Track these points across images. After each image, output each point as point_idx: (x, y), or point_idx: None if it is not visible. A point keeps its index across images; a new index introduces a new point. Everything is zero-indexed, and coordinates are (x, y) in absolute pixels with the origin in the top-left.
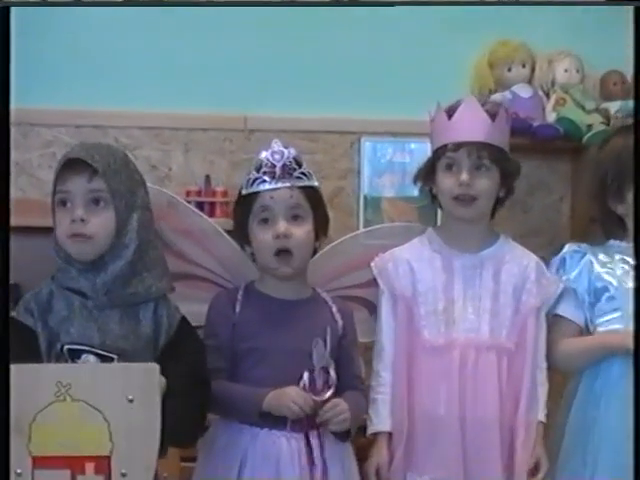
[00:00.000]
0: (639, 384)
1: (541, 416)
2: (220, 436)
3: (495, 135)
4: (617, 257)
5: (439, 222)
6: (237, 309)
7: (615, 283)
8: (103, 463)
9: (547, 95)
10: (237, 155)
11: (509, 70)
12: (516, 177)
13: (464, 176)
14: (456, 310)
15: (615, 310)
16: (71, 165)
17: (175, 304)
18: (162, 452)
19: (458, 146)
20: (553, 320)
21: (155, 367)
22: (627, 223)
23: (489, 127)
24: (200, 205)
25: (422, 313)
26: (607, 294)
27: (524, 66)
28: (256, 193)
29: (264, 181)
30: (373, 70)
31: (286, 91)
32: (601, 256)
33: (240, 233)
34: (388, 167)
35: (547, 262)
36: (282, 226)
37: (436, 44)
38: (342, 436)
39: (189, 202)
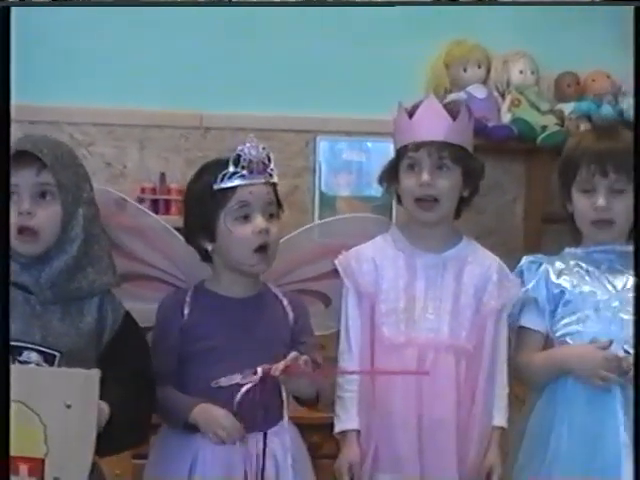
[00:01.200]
0: (639, 384)
1: (500, 421)
2: (172, 436)
3: (456, 134)
4: (572, 263)
5: (394, 221)
6: (186, 311)
7: (570, 287)
8: (37, 466)
9: (502, 96)
10: (193, 153)
11: (464, 70)
12: (480, 176)
13: (425, 176)
14: (417, 309)
15: (572, 314)
16: (18, 158)
17: (119, 299)
18: (109, 452)
19: (419, 146)
20: (518, 332)
21: (96, 374)
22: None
23: (450, 126)
24: (155, 203)
25: (383, 311)
26: (564, 299)
27: (479, 67)
28: (233, 188)
29: (243, 175)
30: (329, 69)
31: (242, 89)
32: (557, 264)
33: (203, 229)
34: (343, 166)
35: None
36: (262, 222)
37: (392, 44)
38: (306, 401)
39: (144, 200)
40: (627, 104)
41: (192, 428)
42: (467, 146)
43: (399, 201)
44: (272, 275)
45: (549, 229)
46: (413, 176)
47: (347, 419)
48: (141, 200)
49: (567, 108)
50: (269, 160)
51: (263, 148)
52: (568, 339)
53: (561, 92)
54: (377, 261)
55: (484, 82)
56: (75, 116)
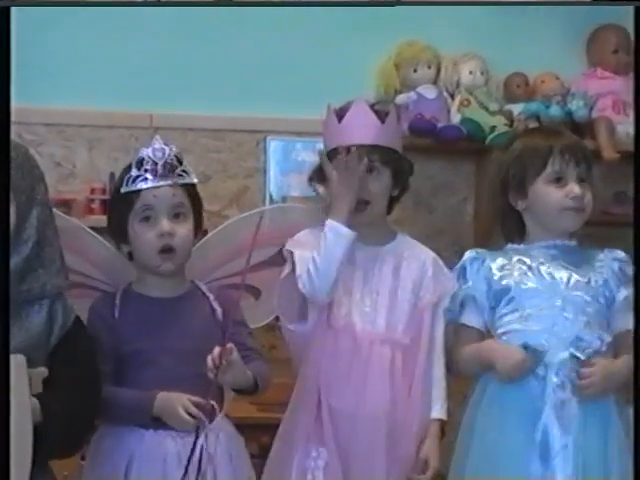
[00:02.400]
0: (638, 386)
1: (439, 413)
2: (106, 437)
3: (386, 136)
4: (515, 259)
5: None
6: (116, 314)
7: (513, 284)
8: None
9: (452, 96)
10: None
11: (415, 71)
12: (409, 175)
13: None
14: (354, 301)
15: (514, 311)
16: None
17: (71, 303)
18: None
19: (348, 149)
20: (456, 329)
21: (22, 359)
22: (526, 221)
23: (379, 129)
24: (105, 203)
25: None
26: (506, 296)
27: (430, 67)
28: (137, 191)
29: (146, 179)
30: (280, 70)
31: (192, 89)
32: (499, 260)
33: (118, 232)
34: (294, 166)
35: (451, 262)
36: (166, 225)
37: (343, 44)
38: (246, 391)
39: (93, 200)
40: (576, 105)
41: (157, 421)
42: (396, 147)
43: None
44: (201, 272)
45: (498, 229)
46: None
47: None
48: (91, 200)
49: (516, 109)
50: (179, 161)
51: (171, 149)
52: (508, 337)
53: (510, 93)
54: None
55: (434, 83)
56: (24, 116)
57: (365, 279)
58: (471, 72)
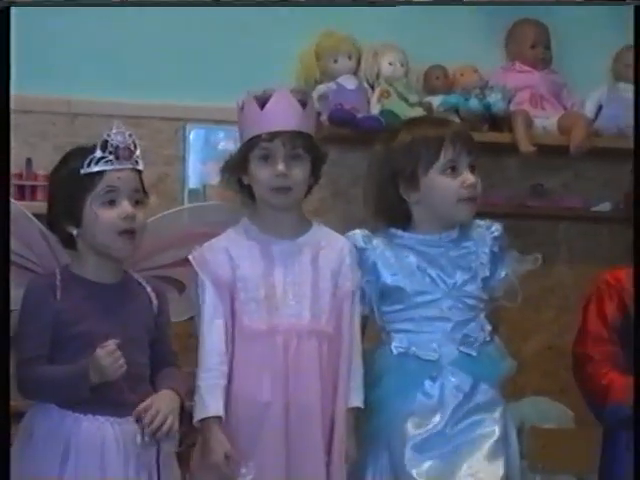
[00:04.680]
0: (638, 390)
1: (355, 401)
2: (40, 424)
3: (307, 123)
4: (403, 253)
5: None
6: (58, 295)
7: (403, 283)
8: None
9: (372, 87)
10: (61, 139)
11: (335, 61)
12: (324, 164)
13: (280, 167)
14: (277, 296)
15: (402, 310)
16: None
17: None
18: None
19: (273, 136)
20: None
21: None
22: (415, 213)
23: (301, 115)
24: (21, 188)
25: (242, 299)
26: (397, 295)
27: (350, 58)
28: (100, 173)
29: (110, 161)
30: (200, 57)
31: (112, 75)
32: (387, 252)
33: (68, 213)
34: (213, 154)
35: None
36: (129, 207)
37: (264, 33)
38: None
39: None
40: (494, 98)
41: (93, 400)
42: (314, 135)
43: (242, 191)
44: (131, 261)
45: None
46: (267, 167)
47: (208, 407)
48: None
49: (435, 101)
50: (135, 147)
51: (130, 135)
52: (400, 337)
53: (430, 85)
54: (231, 251)
55: (354, 73)
56: None
57: (285, 273)
58: (391, 63)
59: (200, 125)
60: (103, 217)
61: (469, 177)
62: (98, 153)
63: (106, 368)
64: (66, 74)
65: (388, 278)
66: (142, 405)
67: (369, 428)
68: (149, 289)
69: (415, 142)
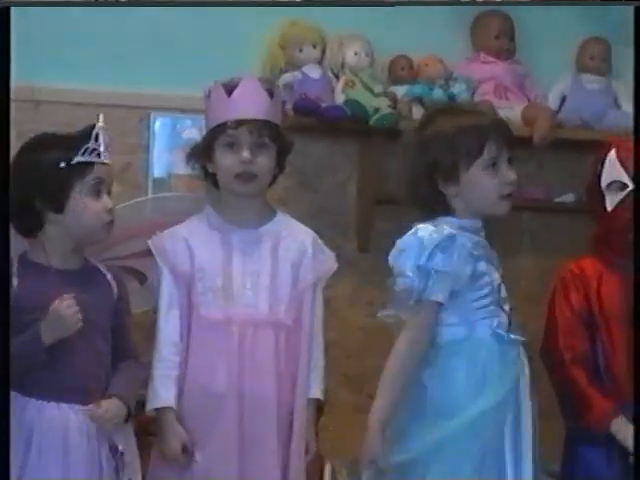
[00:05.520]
0: (638, 387)
1: (316, 393)
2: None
3: (273, 112)
4: (473, 241)
5: None
6: (15, 282)
7: (484, 268)
8: None
9: (337, 77)
10: (24, 125)
11: (300, 51)
12: (289, 154)
13: (245, 154)
14: (235, 286)
15: (486, 296)
16: None
17: None
18: None
19: (239, 124)
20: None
21: None
22: (455, 204)
23: (268, 104)
24: None
25: (199, 290)
26: (480, 280)
27: (315, 47)
28: (91, 163)
29: (100, 153)
30: (164, 46)
31: (75, 63)
32: (467, 242)
33: (52, 200)
34: (178, 143)
35: (334, 241)
36: (108, 200)
37: (228, 22)
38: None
39: None
40: (458, 89)
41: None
42: (280, 124)
43: (206, 178)
44: (93, 250)
45: (381, 209)
46: (232, 154)
47: (160, 398)
48: None
49: (400, 91)
50: (109, 140)
51: (107, 128)
52: (483, 322)
53: (395, 75)
54: (190, 241)
55: (319, 63)
56: None
57: (244, 262)
58: (356, 53)
59: (165, 114)
60: (91, 207)
61: (510, 174)
62: (92, 144)
63: (64, 319)
64: (30, 61)
65: (478, 264)
66: (90, 412)
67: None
68: (109, 276)
69: (458, 134)
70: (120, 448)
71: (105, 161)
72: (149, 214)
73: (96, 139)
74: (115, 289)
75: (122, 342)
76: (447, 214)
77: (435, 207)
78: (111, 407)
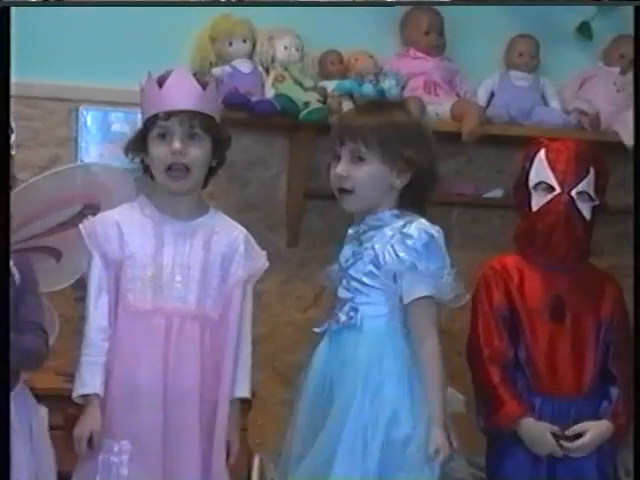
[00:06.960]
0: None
1: (242, 392)
2: None
3: (206, 104)
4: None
5: None
6: None
7: None
8: None
9: (267, 71)
10: None
11: (230, 44)
12: (227, 146)
13: (176, 145)
14: (164, 277)
15: None
16: None
17: None
18: None
19: (169, 115)
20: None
21: None
22: None
23: (200, 96)
24: None
25: (129, 277)
26: None
27: (245, 41)
28: None
29: None
30: (95, 38)
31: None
32: None
33: None
34: (107, 136)
35: (263, 236)
36: None
37: (158, 15)
38: None
39: None
40: (388, 84)
41: None
42: (216, 116)
43: (145, 172)
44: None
45: (311, 204)
46: (164, 145)
47: (86, 384)
48: None
49: (330, 86)
50: None
51: None
52: None
53: (325, 70)
54: (123, 227)
55: (249, 57)
56: None
57: (175, 254)
58: (286, 48)
59: (94, 107)
60: None
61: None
62: None
63: None
64: None
65: None
66: None
67: None
68: (11, 263)
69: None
70: None
71: None
72: (61, 186)
73: None
74: (17, 275)
75: (27, 320)
76: None
77: None
78: None
